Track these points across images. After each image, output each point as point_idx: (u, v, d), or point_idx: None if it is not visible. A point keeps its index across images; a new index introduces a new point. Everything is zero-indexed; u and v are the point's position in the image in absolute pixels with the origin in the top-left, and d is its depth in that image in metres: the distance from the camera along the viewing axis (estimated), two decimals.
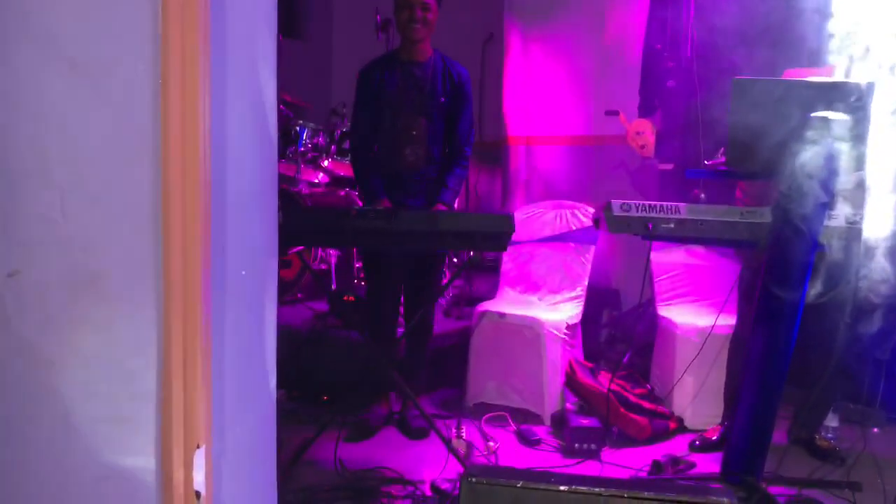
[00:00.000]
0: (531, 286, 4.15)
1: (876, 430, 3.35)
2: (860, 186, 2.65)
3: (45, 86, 1.23)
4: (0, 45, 1.23)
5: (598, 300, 4.59)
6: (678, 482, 2.85)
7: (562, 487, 1.89)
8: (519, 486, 1.89)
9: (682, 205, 2.69)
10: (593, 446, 3.20)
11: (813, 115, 2.52)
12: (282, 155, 4.91)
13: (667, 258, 4.02)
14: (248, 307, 1.56)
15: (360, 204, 4.34)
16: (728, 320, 3.30)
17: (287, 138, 4.91)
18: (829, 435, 3.23)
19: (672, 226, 2.67)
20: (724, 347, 3.34)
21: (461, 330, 4.07)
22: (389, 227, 2.81)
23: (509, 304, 3.94)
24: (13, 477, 1.30)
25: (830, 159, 2.49)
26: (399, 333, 3.56)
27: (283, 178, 5.03)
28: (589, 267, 4.01)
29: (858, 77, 2.85)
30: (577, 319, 3.87)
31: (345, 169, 4.86)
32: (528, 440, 3.36)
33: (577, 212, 4.14)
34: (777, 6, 3.05)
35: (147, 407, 1.28)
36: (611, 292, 4.83)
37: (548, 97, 5.55)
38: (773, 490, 2.61)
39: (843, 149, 2.52)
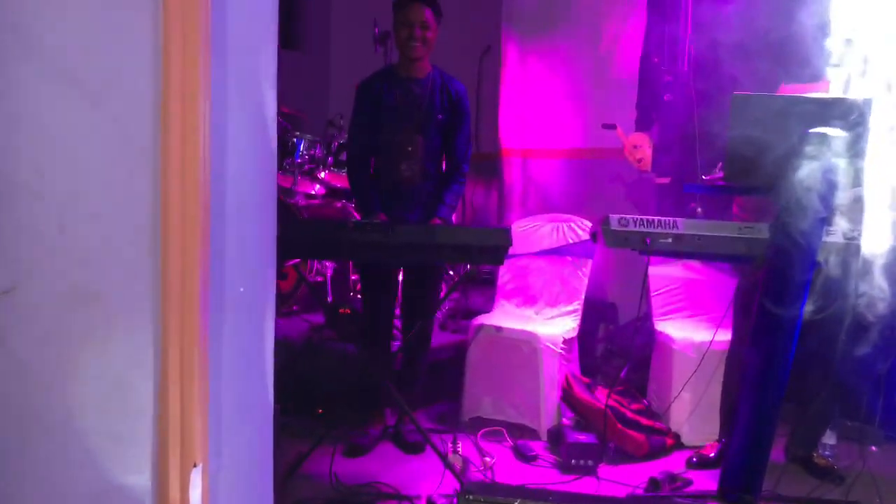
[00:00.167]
0: (528, 299, 4.14)
1: (874, 448, 3.33)
2: (858, 202, 2.66)
3: (43, 100, 1.22)
4: None
5: (595, 314, 4.58)
6: (675, 500, 2.84)
7: None
8: (516, 503, 1.88)
9: (679, 220, 2.68)
10: (590, 462, 3.18)
11: (811, 130, 2.52)
12: (279, 166, 4.89)
13: (664, 272, 4.01)
14: (247, 323, 1.55)
15: (357, 216, 4.33)
16: (726, 335, 3.28)
17: (284, 149, 4.90)
18: (827, 453, 3.21)
19: (670, 241, 2.67)
20: (721, 363, 3.32)
21: (457, 343, 4.05)
22: (386, 240, 2.80)
23: (506, 317, 3.92)
24: (8, 494, 1.28)
25: (829, 175, 2.50)
26: (395, 347, 3.54)
27: (279, 190, 5.01)
28: (586, 281, 4.00)
29: (857, 93, 2.86)
30: (573, 334, 3.86)
31: (341, 181, 4.85)
32: (524, 456, 3.34)
33: (573, 225, 4.13)
34: (776, 21, 3.05)
35: (143, 424, 1.26)
36: (607, 306, 4.82)
37: (545, 110, 5.54)
38: None
39: (842, 165, 2.52)
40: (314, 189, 4.99)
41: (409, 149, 3.38)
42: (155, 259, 1.27)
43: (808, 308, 2.52)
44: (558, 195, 5.39)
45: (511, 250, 2.94)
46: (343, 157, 4.82)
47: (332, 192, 5.05)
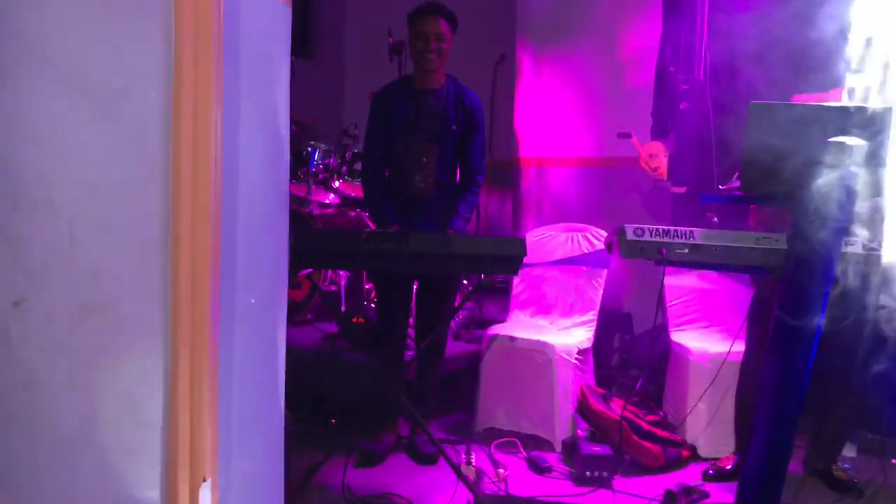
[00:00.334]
0: (542, 309, 4.12)
1: (895, 461, 3.29)
2: (878, 213, 2.62)
3: (54, 113, 1.22)
4: (9, 72, 1.21)
5: (611, 324, 4.54)
6: None
7: None
8: None
9: (696, 230, 2.65)
10: (605, 474, 3.15)
11: (830, 140, 2.49)
12: (293, 176, 4.90)
13: (679, 282, 3.98)
14: (258, 335, 1.54)
15: (371, 226, 4.32)
16: (742, 347, 3.24)
17: (298, 159, 4.91)
18: (847, 466, 3.16)
19: (686, 251, 2.64)
20: (737, 375, 3.28)
21: (471, 353, 4.02)
22: (400, 250, 2.79)
23: (520, 327, 3.90)
24: None
25: (848, 185, 2.46)
26: (409, 356, 3.52)
27: (293, 199, 5.02)
28: (601, 291, 3.97)
29: (877, 101, 2.82)
30: (588, 344, 3.83)
31: (356, 190, 4.84)
32: (538, 467, 3.31)
33: (588, 234, 4.11)
34: (793, 29, 3.02)
35: (153, 438, 1.25)
36: (623, 316, 4.78)
37: (560, 118, 5.53)
38: None
39: (861, 174, 2.49)
40: (328, 198, 4.99)
41: (424, 160, 3.37)
42: (165, 271, 1.26)
43: (827, 319, 2.48)
44: (573, 204, 5.37)
45: (525, 260, 2.92)
46: (357, 166, 4.82)
47: (346, 202, 5.04)
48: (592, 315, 3.94)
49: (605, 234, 3.94)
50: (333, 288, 4.60)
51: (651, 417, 3.46)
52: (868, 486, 2.96)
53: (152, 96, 1.28)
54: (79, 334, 1.23)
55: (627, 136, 4.57)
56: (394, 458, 3.39)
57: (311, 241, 2.91)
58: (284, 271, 1.68)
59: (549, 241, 4.22)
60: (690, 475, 3.28)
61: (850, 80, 2.91)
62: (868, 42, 2.83)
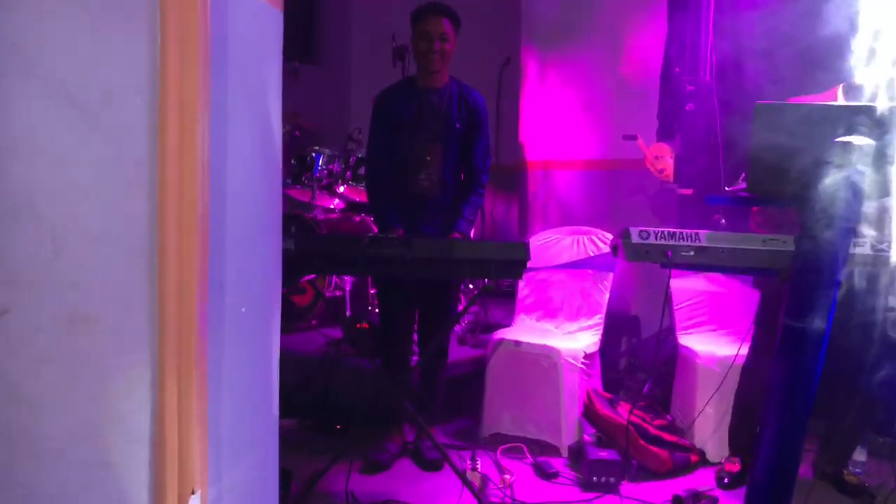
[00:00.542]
0: (548, 313, 4.08)
1: None
2: (886, 213, 2.58)
3: (36, 118, 1.20)
4: None
5: (618, 327, 4.51)
6: None
7: None
8: None
9: (702, 232, 2.62)
10: (612, 480, 3.11)
11: (837, 139, 2.45)
12: (297, 181, 4.90)
13: (687, 285, 3.94)
14: (250, 344, 1.51)
15: (376, 230, 4.30)
16: None
17: (303, 165, 4.90)
18: (858, 470, 3.11)
19: (692, 253, 2.60)
20: None
21: (477, 358, 4.00)
22: (403, 255, 2.76)
23: (526, 332, 3.86)
24: None
25: (856, 185, 2.42)
26: (413, 362, 3.50)
27: (298, 205, 5.01)
28: (607, 294, 3.93)
29: (885, 99, 2.78)
30: (595, 348, 3.80)
31: (360, 195, 4.83)
32: (544, 473, 3.28)
33: (594, 237, 4.08)
34: (799, 26, 2.99)
35: (140, 450, 1.23)
36: (630, 319, 4.75)
37: (565, 121, 5.51)
38: None
39: (869, 174, 2.45)
40: (333, 203, 4.98)
41: (428, 158, 3.35)
42: (152, 281, 1.23)
43: (836, 321, 2.44)
44: (580, 207, 5.35)
45: (531, 264, 2.88)
46: (362, 171, 4.80)
47: (351, 207, 5.03)
48: (599, 319, 3.90)
49: (610, 237, 3.91)
50: (339, 293, 4.59)
51: (658, 422, 3.42)
52: (879, 491, 2.91)
53: (137, 103, 1.26)
54: (64, 346, 1.21)
55: (633, 137, 4.54)
56: (399, 465, 3.36)
57: (312, 247, 2.88)
58: (278, 278, 1.66)
59: (554, 244, 4.19)
60: (699, 480, 3.25)
61: (857, 78, 2.87)
62: (876, 38, 2.79)
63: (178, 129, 1.26)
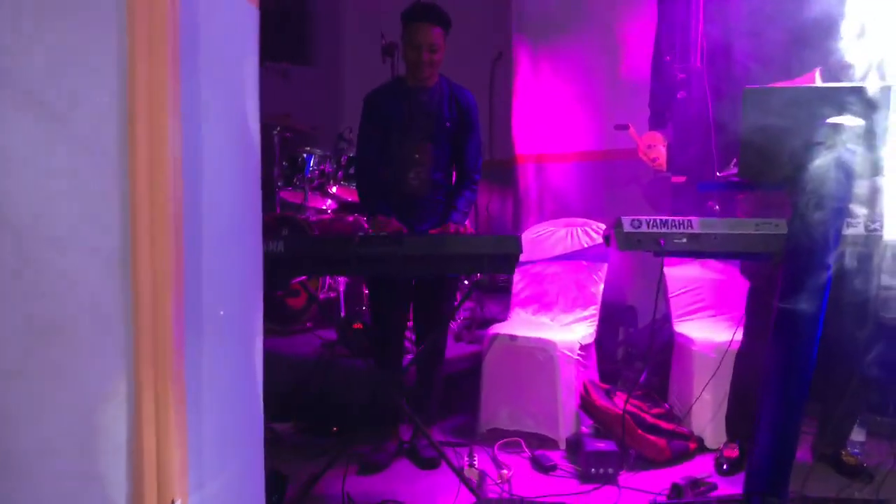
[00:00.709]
0: (543, 306, 4.06)
1: None
2: (878, 192, 2.56)
3: (3, 123, 1.17)
4: None
5: (614, 317, 4.48)
6: None
7: None
8: None
9: (694, 219, 2.60)
10: (610, 470, 3.09)
11: (828, 121, 2.43)
12: (289, 183, 4.87)
13: (681, 272, 3.92)
14: (230, 347, 1.49)
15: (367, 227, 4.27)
16: None
17: (294, 166, 4.87)
18: (856, 450, 3.09)
19: (685, 241, 2.59)
20: None
21: (473, 354, 3.97)
22: (394, 252, 2.73)
23: (521, 325, 3.84)
24: None
25: (847, 164, 2.40)
26: (408, 360, 3.47)
27: (290, 206, 4.99)
28: (602, 285, 3.91)
29: (874, 81, 2.76)
30: (590, 339, 3.77)
31: (352, 195, 4.80)
32: (542, 466, 3.25)
33: (589, 229, 4.05)
34: (789, 11, 2.97)
35: (117, 460, 1.20)
36: (626, 309, 4.72)
37: (558, 114, 5.49)
38: None
39: (860, 154, 2.43)
40: (325, 204, 4.95)
41: (417, 156, 3.33)
42: (125, 287, 1.21)
43: (831, 302, 2.42)
44: (574, 199, 5.33)
45: (525, 257, 2.86)
46: (353, 170, 4.77)
47: (343, 207, 5.00)
48: (594, 310, 3.88)
49: (604, 227, 3.88)
50: (332, 294, 4.56)
51: (656, 410, 3.40)
52: (879, 471, 2.89)
53: (106, 105, 1.23)
54: (35, 357, 1.18)
55: (625, 127, 4.51)
56: (396, 464, 3.34)
57: (303, 248, 2.85)
58: (258, 279, 1.63)
59: (548, 237, 4.16)
60: (698, 467, 3.23)
61: (847, 58, 2.85)
62: (865, 19, 2.76)
63: (147, 131, 1.24)
